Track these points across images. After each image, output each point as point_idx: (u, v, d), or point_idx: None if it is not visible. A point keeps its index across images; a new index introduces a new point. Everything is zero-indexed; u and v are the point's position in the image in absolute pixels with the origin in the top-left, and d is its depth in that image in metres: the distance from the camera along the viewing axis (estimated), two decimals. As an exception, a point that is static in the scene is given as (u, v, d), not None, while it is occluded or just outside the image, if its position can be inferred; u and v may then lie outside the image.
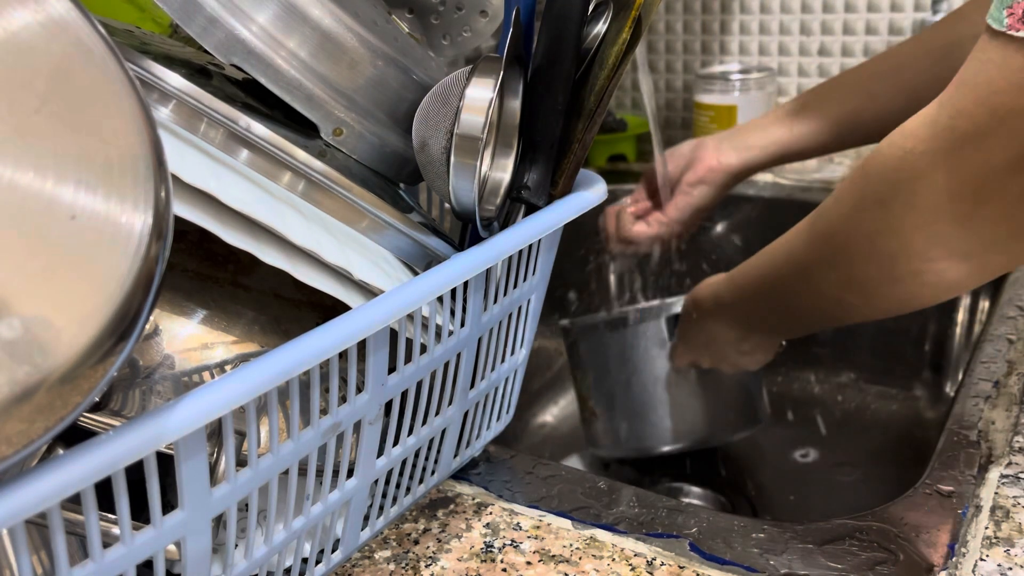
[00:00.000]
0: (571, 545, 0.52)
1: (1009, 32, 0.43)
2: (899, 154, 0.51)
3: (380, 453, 0.48)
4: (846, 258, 0.56)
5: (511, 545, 0.52)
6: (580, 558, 0.51)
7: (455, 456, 0.58)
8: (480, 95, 0.44)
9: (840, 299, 0.59)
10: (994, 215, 0.49)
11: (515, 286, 0.54)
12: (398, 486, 0.53)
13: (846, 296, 0.59)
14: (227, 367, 0.45)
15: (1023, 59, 0.43)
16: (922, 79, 0.77)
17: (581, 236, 0.99)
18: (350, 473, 0.47)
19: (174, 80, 0.42)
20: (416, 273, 0.49)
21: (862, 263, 0.55)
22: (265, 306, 0.48)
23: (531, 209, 0.51)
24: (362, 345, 0.42)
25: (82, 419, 0.39)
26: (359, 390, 0.45)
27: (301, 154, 0.44)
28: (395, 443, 0.49)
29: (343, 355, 0.41)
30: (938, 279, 0.53)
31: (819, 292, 0.61)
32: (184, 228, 0.39)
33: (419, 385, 0.49)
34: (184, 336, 0.45)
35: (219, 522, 0.41)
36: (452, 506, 0.56)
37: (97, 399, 0.35)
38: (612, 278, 1.08)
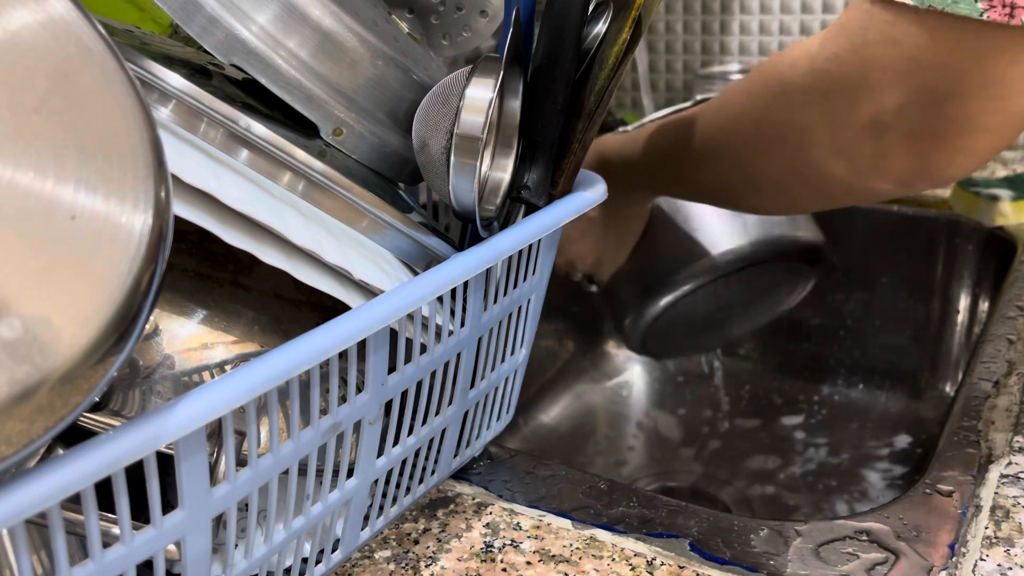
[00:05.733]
0: (571, 545, 0.52)
1: None
2: (781, 76, 0.56)
3: (380, 453, 0.48)
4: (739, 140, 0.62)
5: (511, 545, 0.52)
6: (580, 558, 0.51)
7: (455, 456, 0.58)
8: (480, 95, 0.44)
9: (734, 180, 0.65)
10: (845, 168, 0.54)
11: (515, 286, 0.54)
12: (398, 486, 0.53)
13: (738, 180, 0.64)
14: (227, 367, 0.45)
15: (893, 18, 0.47)
16: None
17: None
18: (350, 473, 0.47)
19: (174, 80, 0.42)
20: (416, 273, 0.49)
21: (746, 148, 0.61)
22: (265, 306, 0.48)
23: (531, 209, 0.51)
24: (362, 345, 0.42)
25: (82, 419, 0.39)
26: (359, 390, 0.45)
27: (301, 154, 0.44)
28: (395, 443, 0.49)
29: (343, 355, 0.41)
30: (787, 197, 0.61)
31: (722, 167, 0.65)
32: (184, 228, 0.39)
33: (419, 385, 0.49)
34: (184, 336, 0.45)
35: (219, 522, 0.41)
36: (452, 506, 0.56)
37: (97, 399, 0.35)
38: None
